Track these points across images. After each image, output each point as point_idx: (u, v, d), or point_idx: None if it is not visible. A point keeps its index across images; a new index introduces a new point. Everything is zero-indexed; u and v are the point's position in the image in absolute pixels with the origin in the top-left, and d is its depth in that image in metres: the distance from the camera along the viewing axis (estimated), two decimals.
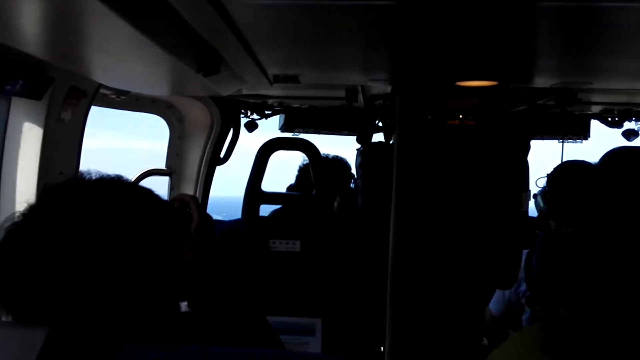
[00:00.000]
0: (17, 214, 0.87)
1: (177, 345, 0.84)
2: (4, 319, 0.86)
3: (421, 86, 2.49)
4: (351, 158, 3.18)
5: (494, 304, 2.67)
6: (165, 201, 1.01)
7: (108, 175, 0.92)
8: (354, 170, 3.08)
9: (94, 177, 0.90)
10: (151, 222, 0.91)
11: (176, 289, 0.95)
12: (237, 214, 2.73)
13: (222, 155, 3.75)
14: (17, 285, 0.83)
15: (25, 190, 2.36)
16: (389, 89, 2.78)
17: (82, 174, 0.90)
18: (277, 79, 2.49)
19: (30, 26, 1.64)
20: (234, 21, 1.66)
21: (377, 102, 3.04)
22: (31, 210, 0.87)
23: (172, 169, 3.77)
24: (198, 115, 3.67)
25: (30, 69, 2.11)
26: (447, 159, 2.43)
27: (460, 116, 2.43)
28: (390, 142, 2.77)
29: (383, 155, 2.64)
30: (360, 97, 2.85)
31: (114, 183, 0.92)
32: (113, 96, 2.93)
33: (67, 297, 0.82)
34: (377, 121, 3.12)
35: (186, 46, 1.81)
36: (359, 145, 2.92)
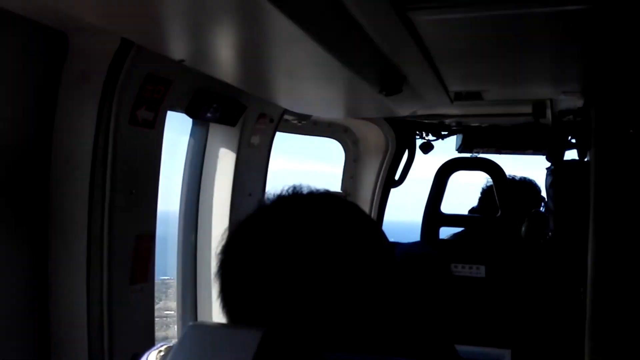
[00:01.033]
0: (236, 223, 0.93)
1: (374, 355, 0.84)
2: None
3: (621, 97, 2.25)
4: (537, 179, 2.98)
5: None
6: (368, 215, 1.01)
7: (317, 190, 0.96)
8: (543, 193, 2.87)
9: (304, 191, 0.94)
10: (358, 234, 0.92)
11: (377, 303, 0.94)
12: (404, 236, 2.67)
13: (396, 177, 3.73)
14: (236, 289, 0.89)
15: (220, 209, 2.55)
16: (580, 102, 2.56)
17: (294, 187, 0.94)
18: (458, 97, 2.41)
19: (230, 57, 1.77)
20: (421, 37, 1.64)
21: (567, 117, 2.82)
22: (251, 218, 0.92)
23: (347, 192, 3.84)
24: (373, 137, 3.71)
25: (227, 97, 2.29)
26: None
27: None
28: (586, 159, 2.54)
29: (578, 174, 2.42)
30: (549, 112, 2.66)
31: (324, 196, 0.95)
32: (295, 121, 3.08)
33: (280, 302, 0.86)
34: (568, 137, 2.89)
35: (371, 67, 1.83)
36: (548, 165, 2.72)
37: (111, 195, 1.70)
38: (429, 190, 2.76)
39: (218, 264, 0.91)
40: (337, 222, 0.90)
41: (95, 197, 1.70)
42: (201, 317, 2.53)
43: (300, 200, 0.93)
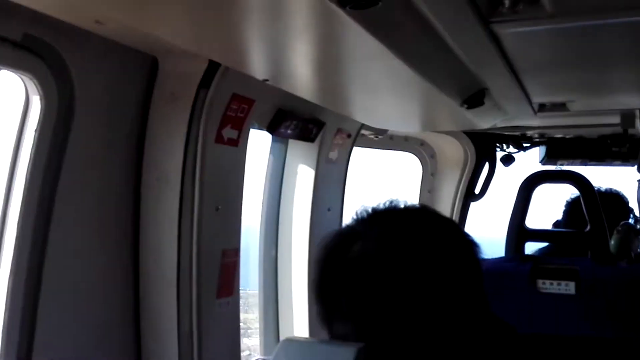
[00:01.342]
0: (332, 233, 0.93)
1: None
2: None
3: None
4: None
5: None
6: (463, 230, 1.00)
7: (413, 205, 0.96)
8: (630, 205, 2.73)
9: (400, 206, 0.94)
10: (455, 251, 0.91)
11: (469, 320, 0.92)
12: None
13: (477, 191, 3.65)
14: (333, 301, 0.89)
15: (300, 224, 2.59)
16: None
17: (391, 201, 0.95)
18: (542, 108, 2.34)
19: (310, 75, 1.80)
20: (504, 50, 1.60)
21: None
22: (348, 229, 0.93)
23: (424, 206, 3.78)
24: (450, 150, 3.65)
25: (306, 114, 2.33)
26: None
27: None
28: None
29: None
30: (638, 122, 2.53)
31: (420, 211, 0.96)
32: (371, 136, 3.08)
33: (377, 316, 0.86)
34: None
35: (452, 80, 1.81)
36: (639, 177, 2.58)
37: (199, 211, 1.76)
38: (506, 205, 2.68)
39: (315, 273, 0.92)
40: (434, 238, 0.90)
41: (184, 213, 1.76)
42: (282, 330, 2.57)
43: (396, 215, 0.93)
